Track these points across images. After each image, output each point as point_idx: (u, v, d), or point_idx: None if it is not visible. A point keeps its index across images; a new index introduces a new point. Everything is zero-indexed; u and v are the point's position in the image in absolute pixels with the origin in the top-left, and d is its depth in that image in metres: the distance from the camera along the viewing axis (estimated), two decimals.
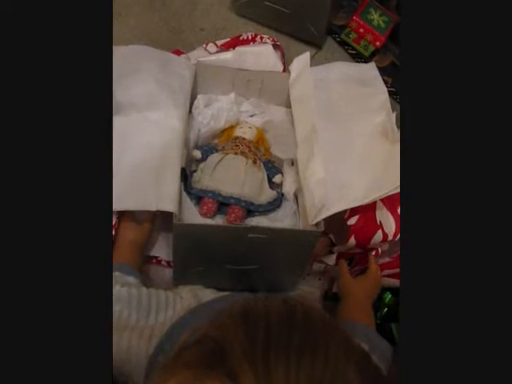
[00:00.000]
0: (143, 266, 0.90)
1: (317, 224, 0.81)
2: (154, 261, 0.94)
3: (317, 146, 0.83)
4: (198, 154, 0.95)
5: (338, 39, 1.31)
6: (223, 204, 0.88)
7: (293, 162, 0.97)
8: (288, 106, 1.05)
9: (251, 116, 1.06)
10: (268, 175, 0.95)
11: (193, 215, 0.85)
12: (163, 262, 0.94)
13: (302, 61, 0.98)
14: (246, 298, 0.43)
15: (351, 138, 0.85)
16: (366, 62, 1.28)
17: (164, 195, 0.78)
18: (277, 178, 0.96)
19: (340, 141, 0.84)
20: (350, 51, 1.29)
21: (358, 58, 1.29)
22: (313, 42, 1.30)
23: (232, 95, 1.03)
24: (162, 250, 0.93)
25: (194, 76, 0.98)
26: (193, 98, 0.99)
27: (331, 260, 0.97)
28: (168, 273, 0.94)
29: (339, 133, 0.86)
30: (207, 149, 0.96)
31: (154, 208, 0.77)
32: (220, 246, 0.81)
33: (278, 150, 0.97)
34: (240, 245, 0.81)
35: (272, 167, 0.97)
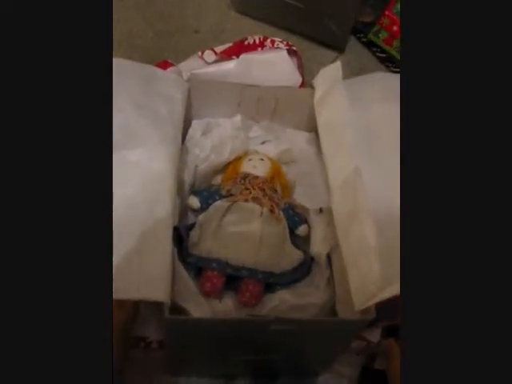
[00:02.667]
0: (128, 351, 0.68)
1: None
2: (142, 344, 0.72)
3: (363, 198, 0.59)
4: (195, 202, 0.72)
5: (363, 40, 1.09)
6: (232, 276, 0.65)
7: (321, 209, 0.73)
8: (310, 129, 0.85)
9: (262, 143, 0.85)
10: (289, 226, 0.71)
11: (191, 294, 0.62)
12: (154, 344, 0.72)
13: (330, 73, 0.75)
14: None
15: None
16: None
17: (150, 277, 0.56)
18: (301, 230, 0.73)
19: (391, 189, 0.60)
20: (378, 54, 1.08)
21: (389, 62, 1.06)
22: (333, 44, 1.07)
23: (238, 118, 0.82)
24: (151, 328, 0.71)
25: (186, 96, 0.76)
26: (186, 124, 0.78)
27: (374, 336, 0.74)
28: (160, 357, 0.72)
29: (388, 176, 0.62)
30: (207, 194, 0.72)
31: (136, 297, 0.55)
32: (231, 340, 0.60)
33: (302, 195, 0.75)
34: (259, 338, 0.60)
35: (294, 215, 0.73)
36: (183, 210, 0.72)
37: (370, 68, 1.06)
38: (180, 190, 0.72)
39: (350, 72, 0.91)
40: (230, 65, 0.90)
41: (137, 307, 0.65)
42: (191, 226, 0.69)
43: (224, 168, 0.81)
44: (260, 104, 0.81)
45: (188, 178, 0.75)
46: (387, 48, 1.05)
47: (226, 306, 0.64)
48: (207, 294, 0.63)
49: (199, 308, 0.61)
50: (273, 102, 0.81)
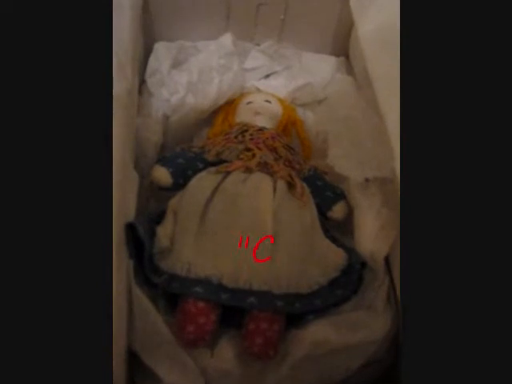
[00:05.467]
0: None
1: None
2: None
3: None
4: (165, 175, 0.45)
5: None
6: (232, 309, 0.38)
7: (367, 178, 0.47)
8: (339, 52, 0.61)
9: (267, 77, 0.62)
10: (318, 205, 0.45)
11: (161, 344, 0.37)
12: None
13: None
14: None
15: None
16: None
17: None
18: (336, 211, 0.47)
19: None
20: None
21: None
22: None
23: (227, 38, 0.59)
24: None
25: (141, 4, 0.51)
26: (146, 51, 0.55)
27: None
28: None
29: None
30: (184, 162, 0.46)
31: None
32: None
33: (336, 157, 0.48)
34: None
35: (323, 186, 0.48)
36: (145, 190, 0.45)
37: None
38: (140, 158, 0.46)
39: None
40: None
41: None
42: (158, 218, 0.42)
43: (210, 117, 0.56)
44: (261, 14, 0.58)
45: (153, 136, 0.51)
46: None
47: (223, 363, 0.37)
48: (190, 344, 0.36)
49: (177, 369, 0.36)
50: (281, 10, 0.59)
